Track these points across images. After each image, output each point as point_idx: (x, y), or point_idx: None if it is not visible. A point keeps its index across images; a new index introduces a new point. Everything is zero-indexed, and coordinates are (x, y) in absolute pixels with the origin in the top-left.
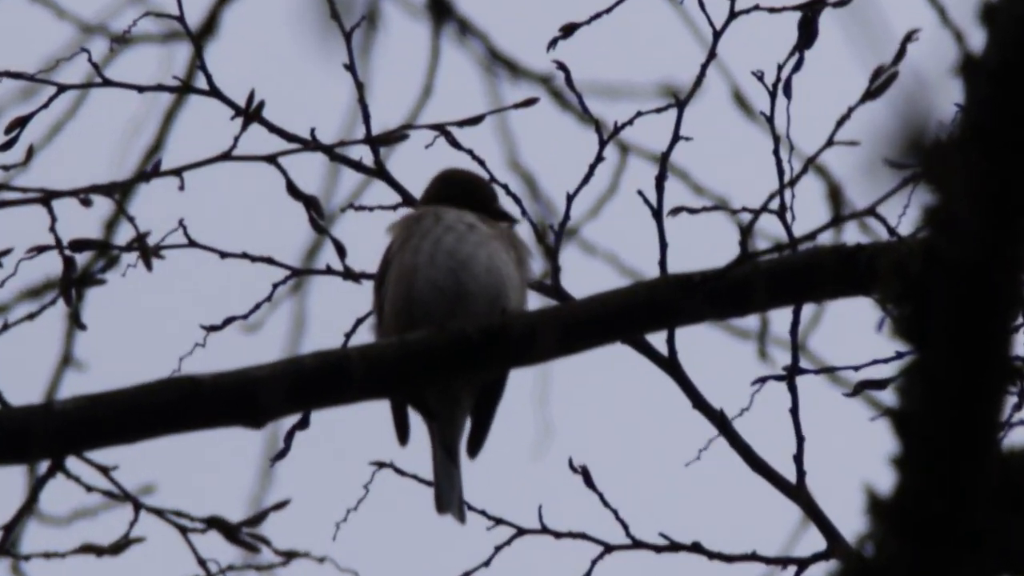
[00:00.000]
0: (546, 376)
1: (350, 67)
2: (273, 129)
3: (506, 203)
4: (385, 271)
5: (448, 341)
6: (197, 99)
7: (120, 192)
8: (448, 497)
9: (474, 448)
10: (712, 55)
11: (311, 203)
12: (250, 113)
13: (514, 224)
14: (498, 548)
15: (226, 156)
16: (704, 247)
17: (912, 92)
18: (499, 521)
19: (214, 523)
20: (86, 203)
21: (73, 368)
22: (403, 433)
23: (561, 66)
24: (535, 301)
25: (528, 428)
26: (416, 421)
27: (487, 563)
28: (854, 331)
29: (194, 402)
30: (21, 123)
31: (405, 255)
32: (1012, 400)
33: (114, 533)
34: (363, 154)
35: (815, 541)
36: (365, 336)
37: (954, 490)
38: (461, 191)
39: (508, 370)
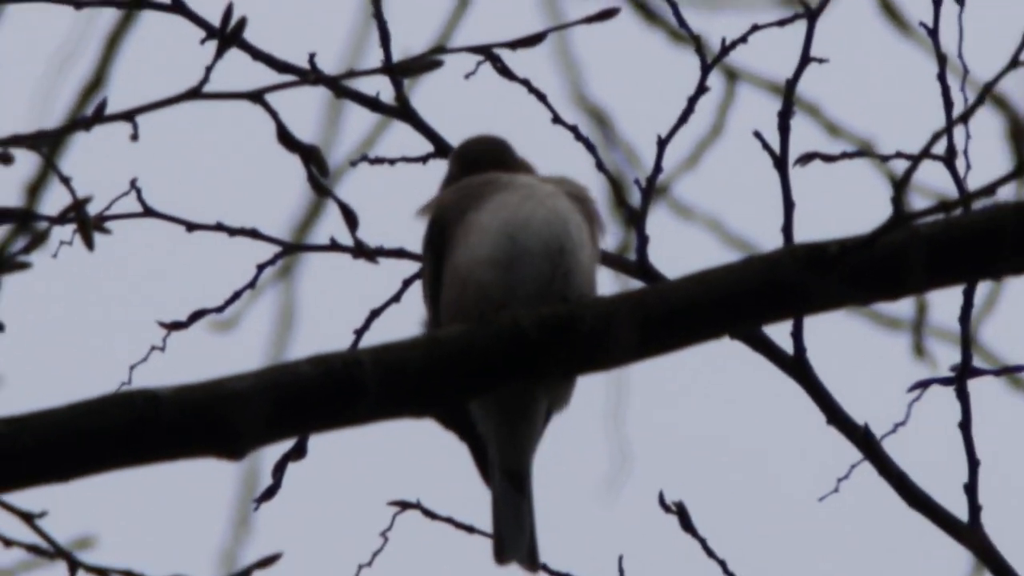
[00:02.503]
0: (623, 382)
1: None
2: (258, 56)
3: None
4: (435, 273)
5: (494, 338)
6: (154, 17)
7: (49, 144)
8: (514, 539)
9: None
10: None
11: (310, 154)
12: (227, 35)
13: None
14: None
15: (195, 93)
16: (843, 207)
17: None
18: None
19: None
20: (4, 159)
21: None
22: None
23: None
24: (613, 283)
25: (600, 454)
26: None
27: None
28: None
29: (150, 426)
30: None
31: (458, 249)
32: None
33: None
34: (380, 88)
35: None
36: (382, 335)
37: None
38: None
39: (576, 376)
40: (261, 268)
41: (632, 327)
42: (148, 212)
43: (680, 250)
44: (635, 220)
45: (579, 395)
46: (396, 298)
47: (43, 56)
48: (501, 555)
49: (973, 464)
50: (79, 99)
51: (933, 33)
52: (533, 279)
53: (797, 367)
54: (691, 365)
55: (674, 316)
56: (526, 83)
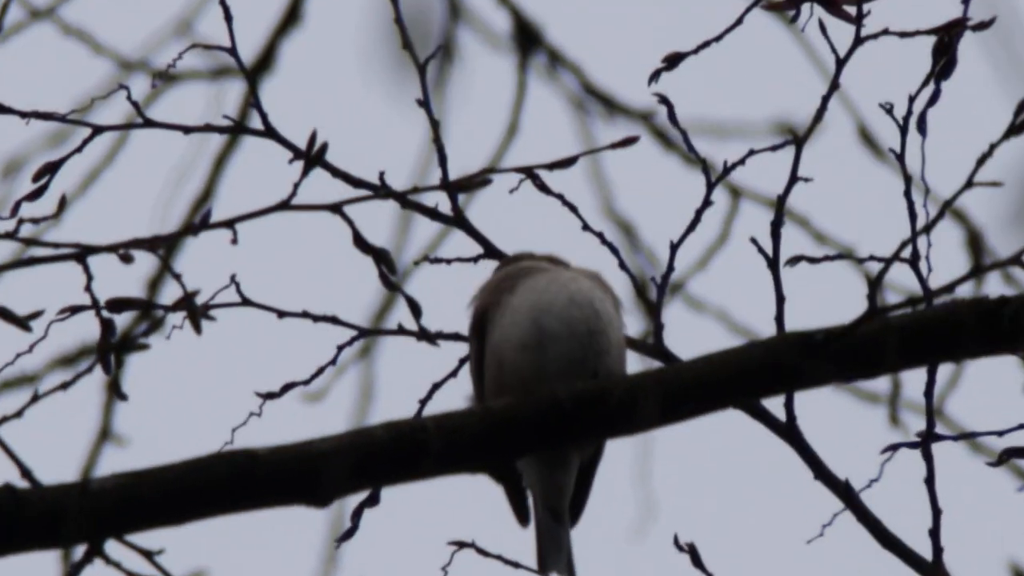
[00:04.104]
0: (647, 446)
1: (424, 103)
2: (337, 174)
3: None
4: (479, 354)
5: (536, 409)
6: (251, 141)
7: (165, 247)
8: (554, 557)
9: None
10: (835, 86)
11: (381, 256)
12: (311, 156)
13: None
14: None
15: (284, 205)
16: (827, 302)
17: None
18: None
19: None
20: (126, 259)
21: (112, 443)
22: (522, 512)
23: (664, 100)
24: (635, 363)
25: (627, 504)
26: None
27: None
28: (997, 393)
29: (250, 479)
30: (51, 169)
31: (495, 331)
32: None
33: None
34: (439, 201)
35: None
36: (442, 404)
37: None
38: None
39: (605, 440)
40: (340, 348)
41: (654, 400)
42: (246, 302)
43: (693, 335)
44: (652, 311)
45: (610, 454)
46: (453, 374)
47: (160, 173)
48: (544, 568)
49: (936, 513)
50: (190, 210)
51: (900, 158)
52: (564, 358)
53: (789, 432)
54: (703, 430)
55: (688, 391)
56: (560, 197)
